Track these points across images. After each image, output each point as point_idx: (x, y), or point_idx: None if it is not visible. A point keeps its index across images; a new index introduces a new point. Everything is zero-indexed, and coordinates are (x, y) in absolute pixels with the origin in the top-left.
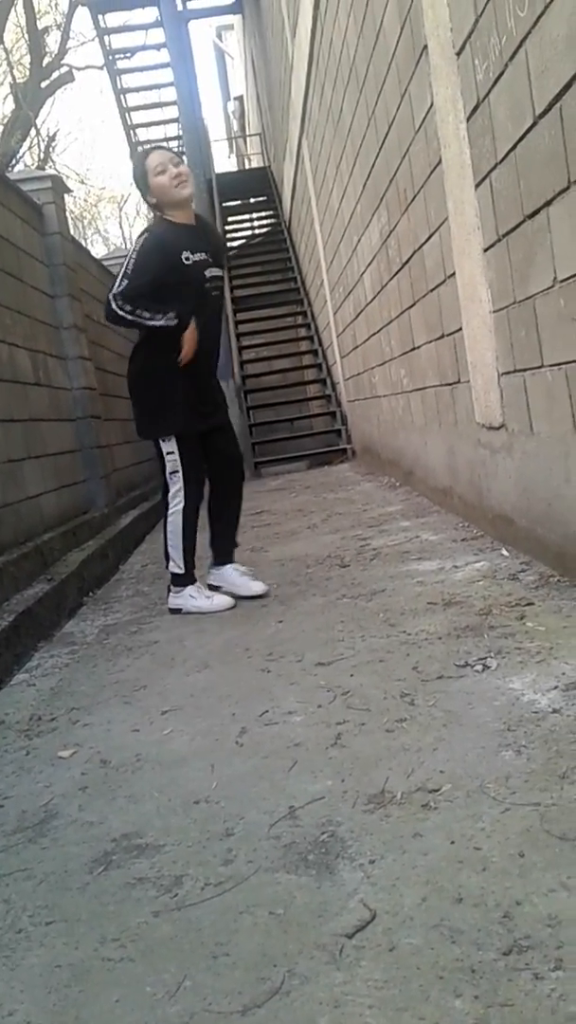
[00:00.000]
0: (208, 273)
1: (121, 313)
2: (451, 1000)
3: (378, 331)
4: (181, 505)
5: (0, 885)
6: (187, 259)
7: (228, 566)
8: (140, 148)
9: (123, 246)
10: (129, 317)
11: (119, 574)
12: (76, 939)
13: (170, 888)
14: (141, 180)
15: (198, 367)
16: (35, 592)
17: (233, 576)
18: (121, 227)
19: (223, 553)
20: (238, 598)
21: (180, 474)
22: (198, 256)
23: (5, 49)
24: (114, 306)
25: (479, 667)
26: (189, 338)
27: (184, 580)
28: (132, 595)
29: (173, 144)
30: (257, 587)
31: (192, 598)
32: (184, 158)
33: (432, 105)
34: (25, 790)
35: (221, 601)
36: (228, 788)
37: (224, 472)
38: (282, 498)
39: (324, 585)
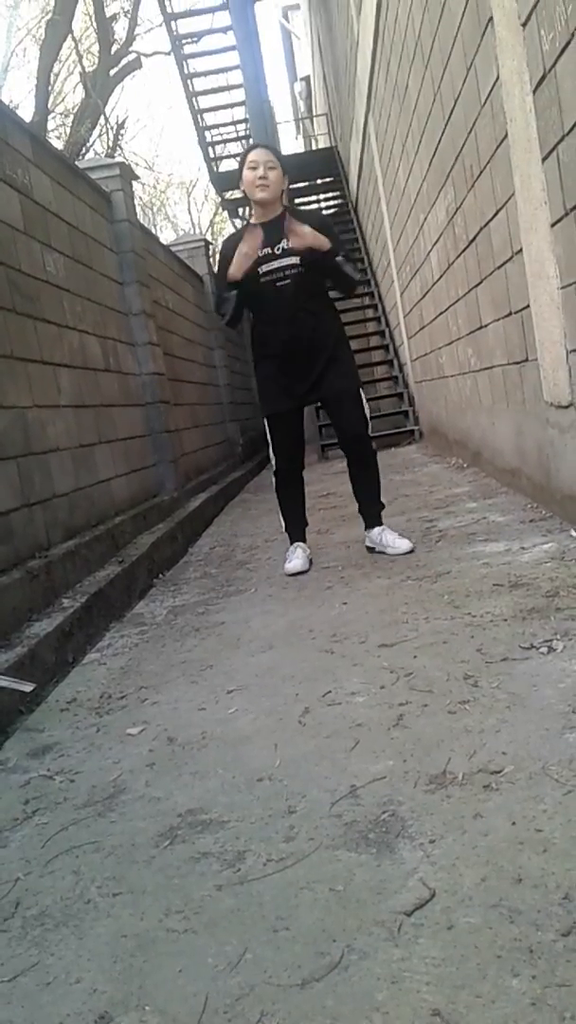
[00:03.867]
0: (263, 268)
1: (217, 312)
2: (509, 979)
3: (445, 310)
4: (273, 469)
5: (70, 856)
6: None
7: (374, 529)
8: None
9: (191, 231)
10: (220, 315)
11: (188, 556)
12: (142, 910)
13: (233, 863)
14: (239, 170)
15: (282, 352)
16: (106, 574)
17: (377, 536)
18: (190, 212)
19: (365, 517)
20: (374, 553)
21: (270, 447)
22: (265, 251)
23: (74, 38)
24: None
25: (544, 649)
26: (232, 272)
27: (290, 538)
28: (200, 577)
29: (240, 128)
30: (403, 544)
31: (289, 556)
32: (279, 161)
33: (498, 78)
34: (95, 765)
35: (288, 566)
36: (291, 766)
37: (344, 444)
38: (348, 480)
39: (388, 567)
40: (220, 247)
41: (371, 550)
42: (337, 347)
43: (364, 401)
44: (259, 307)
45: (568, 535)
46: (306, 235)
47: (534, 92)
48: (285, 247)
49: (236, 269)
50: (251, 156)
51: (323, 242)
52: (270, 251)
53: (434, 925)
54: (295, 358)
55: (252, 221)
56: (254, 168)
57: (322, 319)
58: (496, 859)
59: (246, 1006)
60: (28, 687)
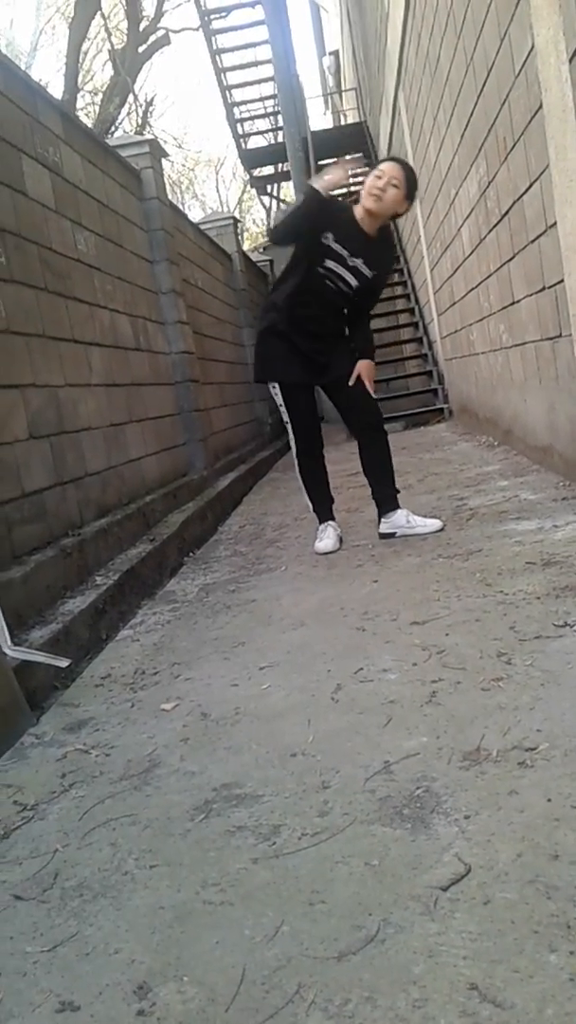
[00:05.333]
0: (329, 263)
1: (272, 227)
2: (546, 955)
3: (476, 286)
4: (294, 451)
5: (107, 829)
6: (325, 238)
7: (397, 512)
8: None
9: (219, 210)
10: (274, 223)
11: (217, 535)
12: (178, 882)
13: (268, 837)
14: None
15: (300, 332)
16: (138, 552)
17: (402, 519)
18: (218, 190)
19: (381, 503)
20: (388, 536)
21: (288, 424)
22: (335, 246)
23: (103, 15)
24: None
25: None
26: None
27: (319, 518)
28: (230, 555)
29: (268, 104)
30: (433, 523)
31: (319, 535)
32: (406, 186)
33: (533, 47)
34: (130, 740)
35: (318, 545)
36: (324, 742)
37: (354, 426)
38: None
39: (419, 545)
40: (311, 195)
41: (386, 537)
42: (343, 341)
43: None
44: (301, 287)
45: None
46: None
47: (570, 61)
48: (357, 266)
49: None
50: (383, 167)
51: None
52: (345, 256)
53: (470, 900)
54: (306, 345)
55: (354, 214)
56: (380, 177)
57: (340, 336)
58: (532, 835)
59: (283, 978)
60: (63, 663)
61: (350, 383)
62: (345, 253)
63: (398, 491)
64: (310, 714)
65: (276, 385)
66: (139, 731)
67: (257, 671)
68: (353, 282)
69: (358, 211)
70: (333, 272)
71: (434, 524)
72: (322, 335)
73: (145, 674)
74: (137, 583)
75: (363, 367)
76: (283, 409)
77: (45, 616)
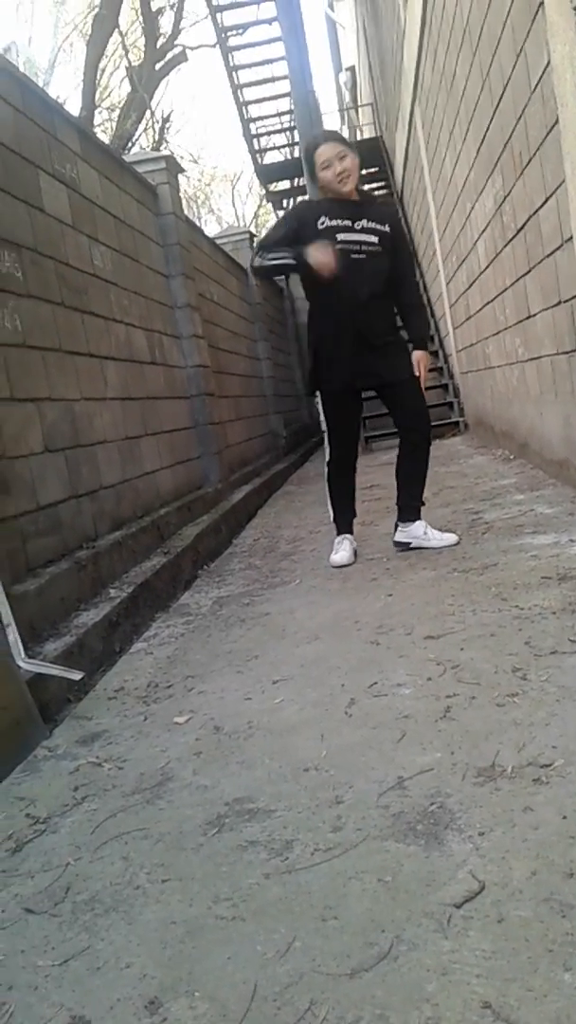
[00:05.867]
0: (341, 236)
1: (255, 258)
2: (561, 974)
3: (492, 300)
4: (327, 458)
5: (119, 843)
6: (322, 223)
7: (415, 523)
8: (314, 134)
9: (236, 224)
10: (256, 260)
11: (232, 548)
12: (190, 897)
13: (281, 852)
14: (309, 171)
15: (349, 320)
16: (152, 565)
17: (419, 530)
18: (234, 205)
19: (403, 510)
20: (404, 548)
21: (325, 429)
22: (335, 222)
23: (120, 33)
24: (254, 253)
25: None
26: (316, 253)
27: (337, 529)
28: (244, 568)
29: (285, 119)
30: (449, 537)
31: (336, 547)
32: (347, 147)
33: (549, 63)
34: (143, 753)
35: (334, 557)
36: (337, 757)
37: (403, 429)
38: (393, 472)
39: (434, 559)
40: (291, 208)
41: (401, 547)
42: (396, 333)
43: (422, 388)
44: (335, 273)
45: None
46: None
47: None
48: (366, 225)
49: (323, 257)
50: (320, 156)
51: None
52: (350, 223)
53: (484, 918)
54: (359, 332)
55: (331, 196)
56: (328, 166)
57: (384, 305)
58: (547, 853)
59: (295, 994)
60: (77, 675)
61: (412, 374)
62: (348, 222)
63: (423, 503)
64: (324, 728)
65: (320, 395)
66: (152, 744)
67: (270, 685)
68: (374, 238)
69: (333, 196)
70: (350, 242)
71: (450, 539)
72: (371, 324)
73: (158, 687)
74: (151, 596)
75: (420, 358)
76: (322, 415)
77: (59, 629)
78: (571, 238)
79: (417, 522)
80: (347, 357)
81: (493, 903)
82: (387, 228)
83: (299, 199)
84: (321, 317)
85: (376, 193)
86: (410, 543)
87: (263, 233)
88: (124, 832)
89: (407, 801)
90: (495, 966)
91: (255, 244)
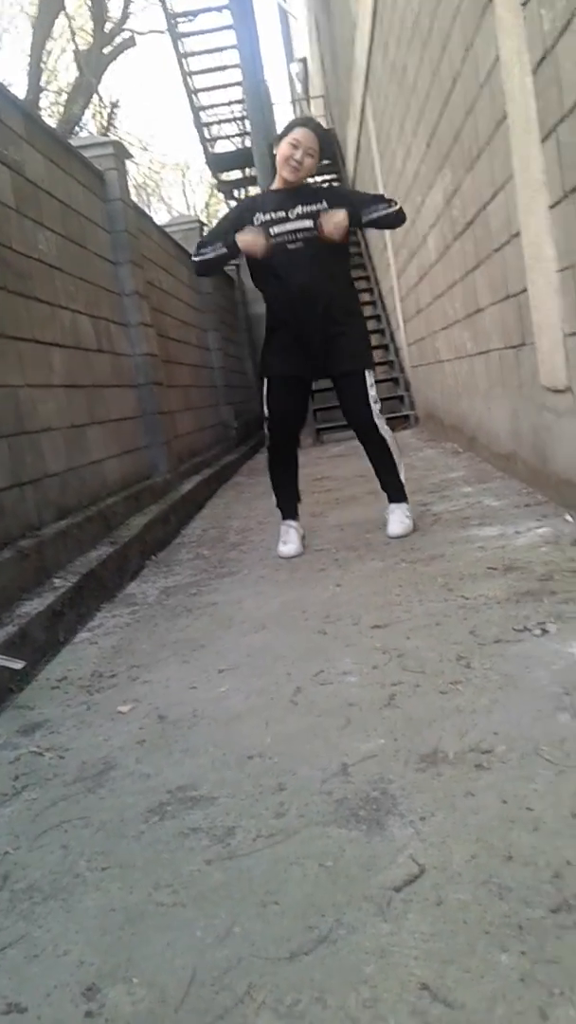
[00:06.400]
0: (275, 229)
1: (194, 258)
2: (497, 955)
3: (442, 294)
4: (266, 444)
5: (59, 831)
6: (257, 220)
7: (390, 505)
8: (308, 116)
9: (187, 213)
10: (194, 256)
11: (180, 538)
12: (130, 884)
13: (223, 838)
14: (278, 138)
15: (294, 312)
16: (99, 554)
17: (388, 513)
18: (185, 195)
19: (388, 495)
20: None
21: (266, 415)
22: (269, 216)
23: (67, 15)
24: (193, 255)
25: (538, 631)
26: (246, 236)
27: (281, 514)
28: (193, 558)
29: (236, 108)
30: (395, 529)
31: (283, 538)
32: (318, 150)
33: (497, 58)
34: (85, 743)
35: (282, 549)
36: (282, 744)
37: (351, 427)
38: (343, 464)
39: (383, 550)
40: (232, 208)
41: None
42: (348, 321)
43: (369, 384)
44: (269, 270)
45: (563, 519)
46: (336, 225)
47: (534, 72)
48: (300, 212)
49: (250, 237)
50: (296, 135)
51: (341, 220)
52: (284, 215)
53: (423, 901)
54: (305, 325)
55: (272, 187)
56: (295, 147)
57: (335, 288)
58: (486, 837)
59: (233, 978)
60: (18, 664)
61: (354, 368)
62: (283, 214)
63: (400, 484)
64: (269, 716)
65: (264, 381)
66: (95, 733)
67: (216, 674)
68: (308, 223)
69: (276, 184)
70: (284, 233)
71: (395, 530)
72: (315, 313)
73: (103, 677)
74: (97, 586)
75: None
76: (264, 403)
77: (0, 618)
78: (518, 233)
79: (394, 504)
80: (290, 347)
81: (432, 886)
82: (323, 204)
83: (251, 189)
84: (269, 308)
85: (330, 186)
86: (406, 534)
87: (211, 227)
88: (64, 821)
89: (350, 787)
90: (433, 948)
91: (197, 244)
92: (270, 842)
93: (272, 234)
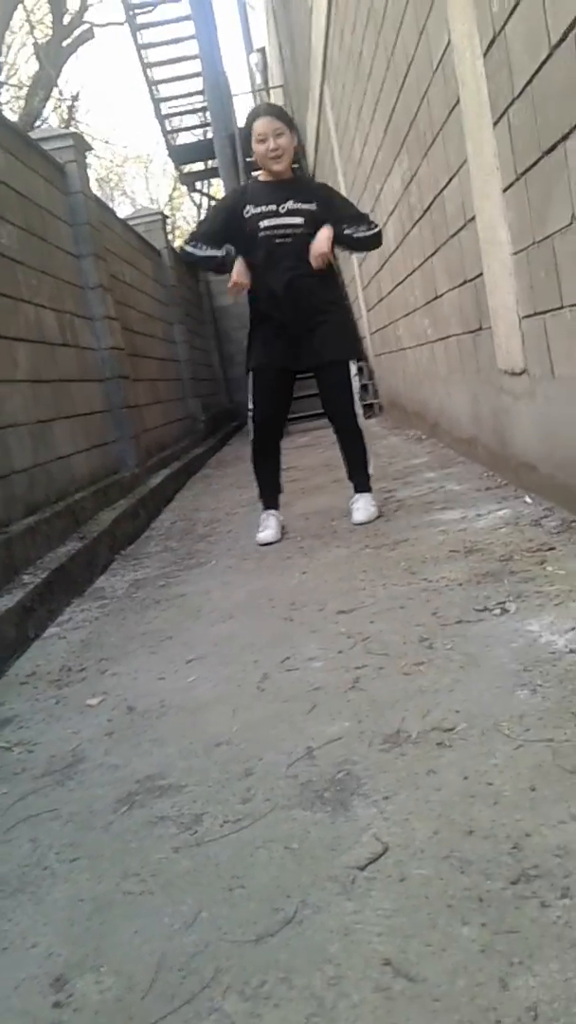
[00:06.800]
0: (264, 223)
1: (184, 246)
2: (458, 927)
3: (402, 281)
4: (251, 436)
5: (28, 825)
6: (247, 212)
7: (356, 495)
8: (257, 104)
9: (149, 206)
10: (187, 248)
11: (149, 531)
12: (99, 875)
13: (190, 826)
14: (246, 140)
15: (277, 306)
16: (67, 550)
17: (353, 502)
18: (148, 188)
19: (355, 485)
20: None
21: (251, 406)
22: (260, 209)
23: (25, 8)
24: (186, 240)
25: (498, 611)
26: (236, 269)
27: (263, 505)
28: (161, 551)
29: (196, 100)
30: (358, 516)
31: (262, 524)
32: (286, 125)
33: (449, 42)
34: (54, 736)
35: (260, 535)
36: (249, 731)
37: (328, 416)
38: (309, 454)
39: (348, 537)
40: (221, 198)
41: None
42: (331, 312)
43: (352, 373)
44: (256, 263)
45: (522, 501)
46: (322, 251)
47: (484, 55)
48: (291, 207)
49: (239, 276)
50: (257, 128)
51: (325, 241)
52: (275, 208)
53: (386, 878)
54: (290, 317)
55: (260, 178)
56: (263, 140)
57: (320, 280)
58: (448, 813)
59: (200, 963)
60: None
61: (336, 359)
62: (273, 207)
63: (368, 476)
64: (236, 704)
65: (249, 374)
66: (63, 727)
67: (184, 664)
68: (298, 220)
69: (264, 176)
70: (274, 227)
71: (359, 517)
72: (299, 306)
73: (71, 671)
74: (66, 581)
75: (321, 232)
76: (250, 396)
77: None
78: (474, 218)
79: (359, 494)
80: (274, 339)
81: (395, 863)
82: (313, 206)
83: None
84: (253, 301)
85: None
86: (368, 520)
87: (200, 216)
88: (33, 814)
89: (315, 770)
90: (396, 924)
91: (190, 232)
92: (236, 827)
93: (262, 227)
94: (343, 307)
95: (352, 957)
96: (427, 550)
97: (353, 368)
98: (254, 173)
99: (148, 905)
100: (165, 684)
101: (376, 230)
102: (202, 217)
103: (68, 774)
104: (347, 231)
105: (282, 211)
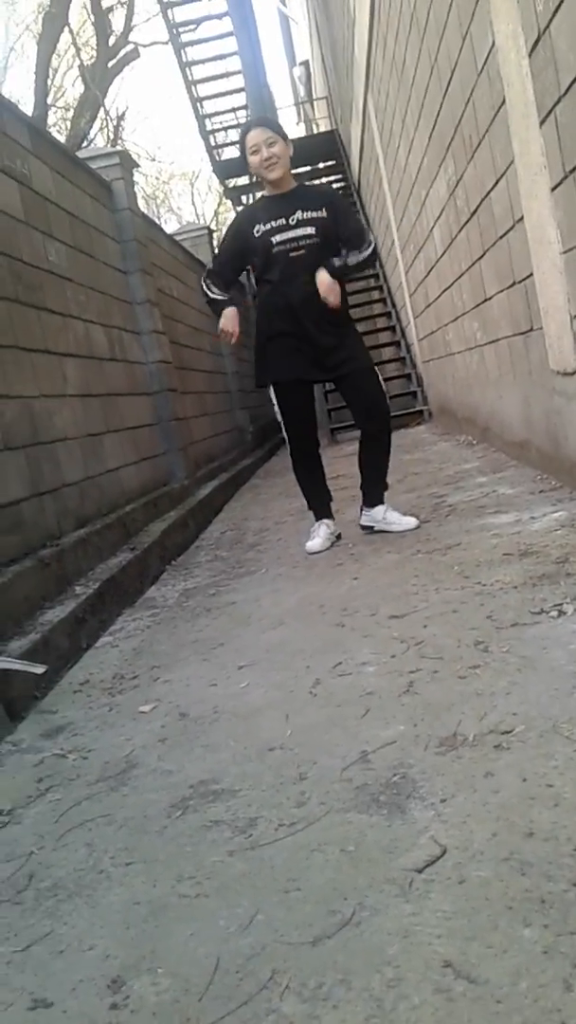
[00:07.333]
0: (277, 238)
1: (202, 282)
2: (520, 929)
3: (449, 286)
4: (289, 449)
5: (83, 830)
6: (257, 231)
7: (377, 507)
8: (246, 120)
9: (195, 221)
10: (202, 285)
11: (199, 542)
12: (154, 878)
13: (244, 829)
14: (241, 155)
15: (295, 320)
16: (119, 561)
17: (380, 515)
18: (194, 203)
19: (368, 495)
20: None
21: (282, 425)
22: (270, 224)
23: (71, 31)
24: (203, 278)
25: (555, 613)
26: (223, 322)
27: (314, 515)
28: (211, 560)
29: (240, 114)
30: (409, 521)
31: (312, 533)
32: (277, 134)
33: (493, 44)
34: (108, 743)
35: (309, 544)
36: (302, 736)
37: (361, 419)
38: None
39: (399, 542)
40: (228, 227)
41: (366, 530)
42: (350, 324)
43: (380, 377)
44: (271, 276)
45: None
46: (329, 292)
47: (530, 55)
48: (300, 218)
49: (226, 325)
50: (249, 141)
51: (330, 290)
52: (284, 222)
53: (445, 880)
54: (304, 329)
55: (266, 194)
56: (256, 152)
57: (347, 318)
58: (507, 815)
59: (257, 965)
60: (39, 669)
61: (364, 365)
62: (283, 221)
63: (386, 487)
64: (288, 709)
65: (272, 387)
66: (117, 734)
67: (236, 670)
68: (310, 229)
69: (268, 188)
70: (287, 240)
71: (410, 522)
72: (316, 318)
73: (124, 679)
74: (118, 591)
75: (321, 278)
76: (276, 409)
77: (23, 627)
78: (522, 218)
79: (378, 507)
80: (294, 352)
81: (454, 866)
82: (323, 213)
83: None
84: (265, 315)
85: (336, 187)
86: (373, 526)
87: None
88: (88, 820)
89: (370, 774)
90: (456, 926)
91: (207, 269)
92: (291, 830)
93: (275, 243)
94: (354, 325)
95: (412, 959)
96: (480, 554)
97: (378, 372)
98: (259, 193)
99: (203, 908)
100: (217, 690)
101: (371, 249)
102: (217, 251)
103: (122, 780)
104: (342, 263)
105: (292, 223)
